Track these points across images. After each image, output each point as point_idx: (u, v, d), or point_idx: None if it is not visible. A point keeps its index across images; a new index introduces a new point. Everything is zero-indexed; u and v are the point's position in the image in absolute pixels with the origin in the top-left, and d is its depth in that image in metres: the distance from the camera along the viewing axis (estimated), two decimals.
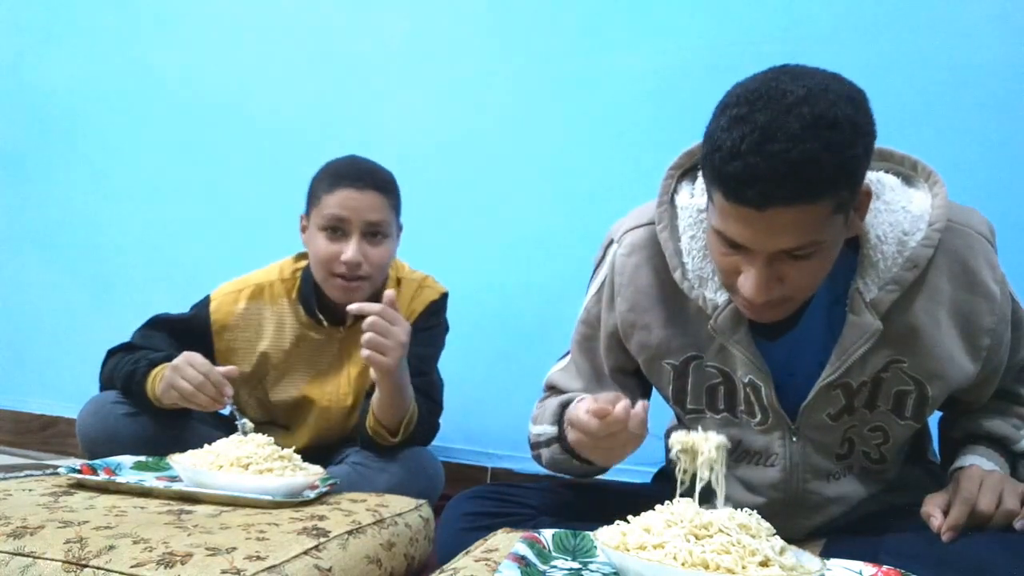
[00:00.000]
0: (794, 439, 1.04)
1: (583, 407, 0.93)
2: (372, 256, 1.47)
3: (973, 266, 0.96)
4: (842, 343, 0.97)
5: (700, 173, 1.00)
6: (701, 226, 1.02)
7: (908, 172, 1.02)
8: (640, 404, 0.90)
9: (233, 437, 1.23)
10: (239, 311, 1.57)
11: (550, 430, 1.10)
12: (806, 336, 1.01)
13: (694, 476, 0.85)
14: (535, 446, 1.16)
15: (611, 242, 1.12)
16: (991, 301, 0.97)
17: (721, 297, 1.00)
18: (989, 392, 1.06)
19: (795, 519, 1.07)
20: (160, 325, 1.58)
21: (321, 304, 1.56)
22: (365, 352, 1.31)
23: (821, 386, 1.00)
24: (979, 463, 1.00)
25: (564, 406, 1.09)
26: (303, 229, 1.55)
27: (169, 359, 1.40)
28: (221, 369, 1.37)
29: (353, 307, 1.35)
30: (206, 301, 1.59)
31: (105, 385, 1.54)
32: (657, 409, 1.03)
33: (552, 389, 1.19)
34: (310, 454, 1.43)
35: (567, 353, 1.20)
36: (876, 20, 1.73)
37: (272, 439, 1.22)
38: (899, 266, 0.95)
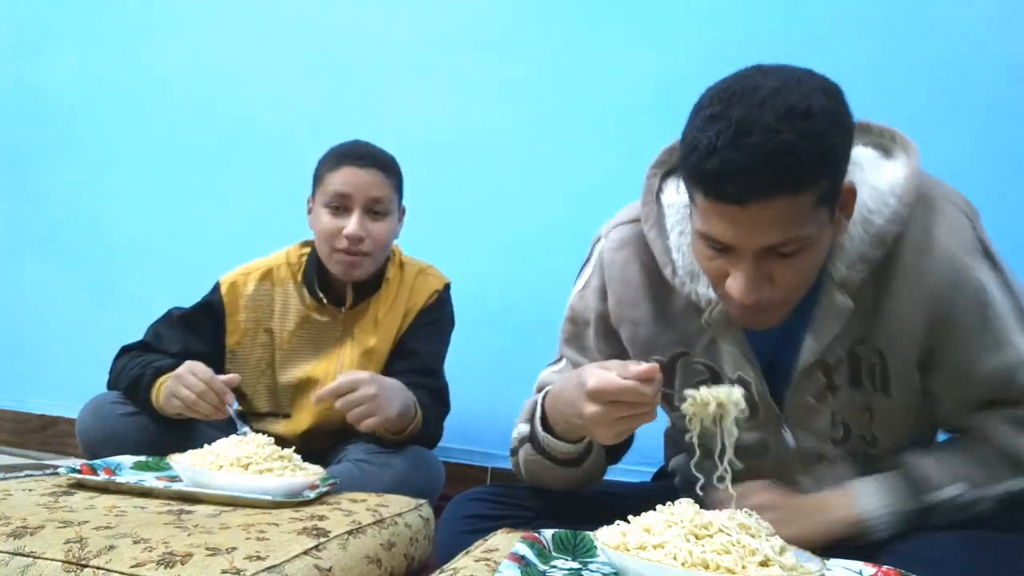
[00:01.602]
0: (784, 428, 1.04)
1: (605, 375, 0.87)
2: (374, 231, 1.50)
3: (935, 232, 0.94)
4: (814, 325, 0.97)
5: None
6: (689, 222, 0.99)
7: (887, 143, 1.00)
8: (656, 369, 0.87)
9: (233, 437, 1.23)
10: (249, 293, 1.60)
11: (524, 429, 1.09)
12: (788, 325, 0.99)
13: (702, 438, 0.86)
14: (513, 452, 1.13)
15: (599, 239, 1.12)
16: (951, 266, 0.93)
17: (714, 292, 0.99)
18: (958, 403, 1.00)
19: None
20: (174, 320, 1.60)
21: (324, 285, 1.58)
22: (361, 423, 1.32)
23: (802, 368, 0.99)
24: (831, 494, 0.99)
25: (539, 404, 1.08)
26: (309, 211, 1.58)
27: (175, 368, 1.41)
28: (223, 377, 1.38)
29: (321, 394, 1.32)
30: (216, 286, 1.61)
31: (112, 384, 1.54)
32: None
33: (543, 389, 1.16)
34: (309, 443, 1.43)
35: (561, 356, 1.19)
36: (876, 20, 1.73)
37: (272, 439, 1.22)
38: (866, 244, 0.94)
